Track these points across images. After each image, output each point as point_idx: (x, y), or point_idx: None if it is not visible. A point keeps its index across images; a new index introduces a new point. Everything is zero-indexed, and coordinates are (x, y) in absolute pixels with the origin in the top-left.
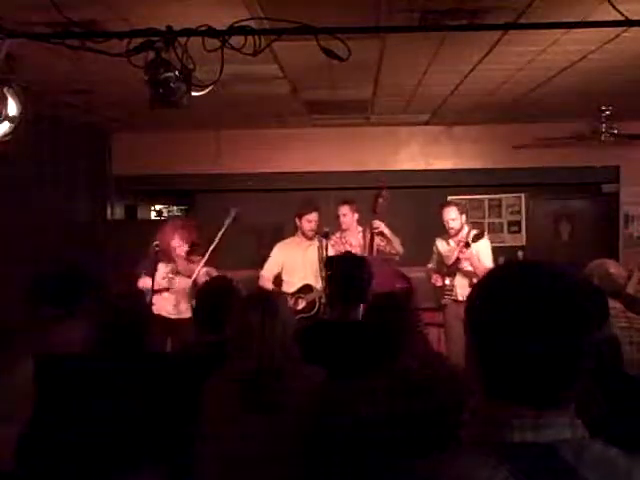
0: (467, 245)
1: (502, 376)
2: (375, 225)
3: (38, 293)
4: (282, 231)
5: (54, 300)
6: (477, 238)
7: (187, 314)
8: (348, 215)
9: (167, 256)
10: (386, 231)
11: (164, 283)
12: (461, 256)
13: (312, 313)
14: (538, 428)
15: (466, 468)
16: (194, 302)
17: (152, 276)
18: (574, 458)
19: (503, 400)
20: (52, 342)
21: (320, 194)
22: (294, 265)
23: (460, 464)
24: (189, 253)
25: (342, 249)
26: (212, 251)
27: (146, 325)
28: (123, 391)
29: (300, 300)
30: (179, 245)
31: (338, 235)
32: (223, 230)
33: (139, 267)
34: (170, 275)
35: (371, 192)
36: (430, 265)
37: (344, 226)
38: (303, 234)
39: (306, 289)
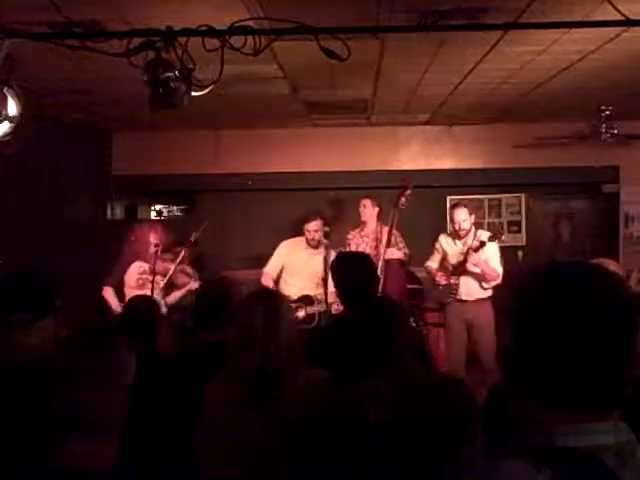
0: (482, 244)
1: (544, 379)
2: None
3: (3, 297)
4: (282, 231)
5: (20, 304)
6: (493, 238)
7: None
8: (368, 207)
9: (141, 256)
10: (397, 254)
11: (137, 283)
12: (470, 259)
13: (311, 326)
14: (580, 433)
15: (509, 473)
16: (168, 300)
17: (153, 273)
18: (616, 463)
19: (545, 404)
20: (19, 346)
21: (320, 194)
22: (295, 268)
23: (503, 468)
24: (162, 252)
25: (359, 243)
26: (184, 254)
27: (157, 325)
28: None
29: (300, 310)
30: (154, 245)
31: (357, 230)
32: (195, 236)
33: (117, 269)
34: (145, 276)
35: (372, 192)
36: (430, 263)
37: (363, 218)
38: (308, 242)
39: (306, 299)
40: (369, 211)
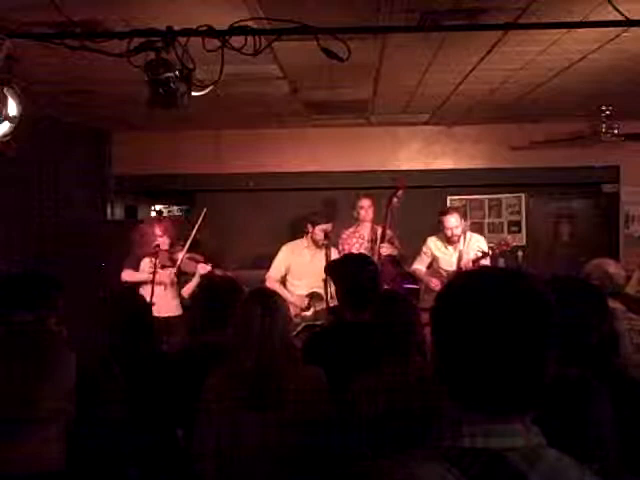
0: (485, 255)
1: (456, 380)
2: (383, 251)
3: (6, 297)
4: (282, 231)
5: (22, 305)
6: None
7: (177, 312)
8: (367, 208)
9: (150, 252)
10: (391, 249)
11: (149, 277)
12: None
13: (321, 322)
14: (489, 434)
15: (415, 472)
16: (184, 292)
17: (162, 267)
18: (525, 465)
19: (458, 404)
20: None
21: (319, 194)
22: (301, 269)
23: (410, 467)
24: (170, 246)
25: (354, 242)
26: (191, 245)
27: (151, 324)
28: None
29: (309, 306)
30: (162, 240)
31: (351, 230)
32: (197, 225)
33: (126, 263)
34: (157, 270)
35: (371, 192)
36: (418, 266)
37: (361, 218)
38: (313, 241)
39: (315, 296)
40: (368, 212)
